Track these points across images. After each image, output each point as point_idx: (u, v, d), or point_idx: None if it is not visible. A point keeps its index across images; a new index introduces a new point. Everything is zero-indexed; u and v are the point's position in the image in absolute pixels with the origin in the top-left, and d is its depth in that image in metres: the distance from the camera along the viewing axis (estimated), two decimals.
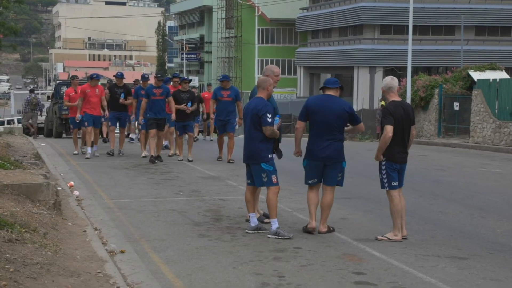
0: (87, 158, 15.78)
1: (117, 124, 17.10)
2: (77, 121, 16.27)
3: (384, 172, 8.17)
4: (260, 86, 8.32)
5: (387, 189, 8.18)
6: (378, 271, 6.78)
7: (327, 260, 7.13)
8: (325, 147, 8.19)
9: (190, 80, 16.93)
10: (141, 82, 17.35)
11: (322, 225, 8.37)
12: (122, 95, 16.73)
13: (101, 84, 18.08)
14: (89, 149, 16.07)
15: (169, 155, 16.63)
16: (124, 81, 17.66)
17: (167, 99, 15.19)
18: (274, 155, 8.42)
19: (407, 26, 30.88)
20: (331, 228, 8.46)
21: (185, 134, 15.81)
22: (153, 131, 15.09)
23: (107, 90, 17.14)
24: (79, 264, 6.74)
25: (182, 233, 8.31)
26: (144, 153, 16.10)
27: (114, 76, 17.88)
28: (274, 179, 8.11)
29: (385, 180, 8.18)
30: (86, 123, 16.02)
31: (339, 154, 8.28)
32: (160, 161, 15.25)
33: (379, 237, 8.13)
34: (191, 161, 15.39)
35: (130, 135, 21.05)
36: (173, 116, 15.22)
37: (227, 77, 16.04)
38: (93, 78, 16.30)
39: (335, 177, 8.36)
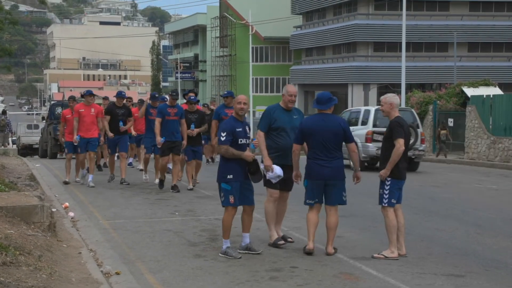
0: (77, 181, 14.83)
1: (116, 150, 15.40)
2: (75, 144, 14.60)
3: (387, 189, 8.08)
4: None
5: (386, 205, 8.12)
6: None
7: (324, 279, 7.10)
8: (324, 166, 8.11)
9: (198, 101, 14.68)
10: (150, 101, 15.44)
11: (330, 246, 8.22)
12: (121, 123, 15.07)
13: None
14: (83, 172, 14.90)
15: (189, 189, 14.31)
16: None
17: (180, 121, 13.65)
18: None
19: (400, 43, 31.03)
20: (336, 249, 8.35)
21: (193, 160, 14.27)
22: (166, 158, 13.64)
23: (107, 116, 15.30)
24: (74, 286, 6.69)
25: (178, 254, 8.28)
26: (145, 177, 15.22)
27: (115, 96, 16.13)
28: (231, 199, 7.99)
29: (386, 197, 8.09)
30: (78, 149, 14.58)
31: (339, 172, 8.17)
32: (177, 191, 13.57)
33: (375, 255, 8.10)
34: (194, 185, 14.28)
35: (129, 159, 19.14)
36: (184, 142, 13.66)
37: (231, 94, 14.15)
38: (86, 95, 14.65)
39: (339, 196, 8.21)
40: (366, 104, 50.14)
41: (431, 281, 7.08)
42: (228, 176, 7.97)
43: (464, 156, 25.07)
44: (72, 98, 16.66)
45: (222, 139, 7.99)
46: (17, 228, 8.40)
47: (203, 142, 20.91)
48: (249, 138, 8.22)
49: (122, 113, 15.21)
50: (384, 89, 50.26)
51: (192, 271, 7.46)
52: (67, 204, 11.90)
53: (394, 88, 44.98)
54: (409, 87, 37.49)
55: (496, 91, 27.95)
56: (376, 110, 19.34)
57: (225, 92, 13.90)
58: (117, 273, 7.31)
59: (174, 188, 13.66)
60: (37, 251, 7.65)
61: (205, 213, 11.23)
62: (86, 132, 14.45)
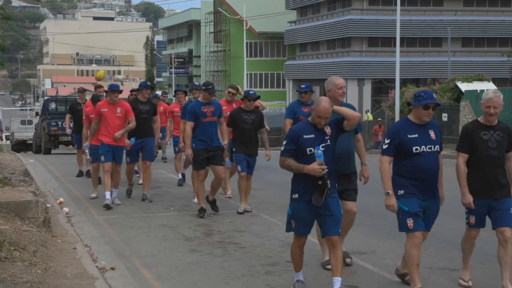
0: (106, 204, 11.08)
1: (139, 156, 12.25)
2: (86, 151, 12.31)
3: None
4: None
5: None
6: (371, 284, 6.76)
7: (320, 274, 7.10)
8: None
9: (259, 97, 11.17)
10: (193, 96, 12.24)
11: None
12: (133, 140, 11.63)
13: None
14: (107, 194, 11.21)
15: (226, 197, 12.42)
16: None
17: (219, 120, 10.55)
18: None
19: (395, 38, 31.05)
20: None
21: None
22: (203, 173, 10.64)
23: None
24: (70, 281, 6.67)
25: (173, 249, 8.27)
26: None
27: (138, 88, 12.55)
28: (292, 224, 6.32)
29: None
30: (102, 158, 11.31)
31: None
32: (216, 211, 10.83)
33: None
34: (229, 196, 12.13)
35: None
36: (225, 144, 10.67)
37: (310, 88, 9.62)
38: (113, 90, 11.30)
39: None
40: (360, 99, 50.27)
41: (426, 275, 7.09)
42: (293, 196, 6.23)
43: None
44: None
45: (282, 148, 6.23)
46: (11, 223, 8.37)
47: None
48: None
49: (146, 110, 11.92)
50: (378, 84, 50.39)
51: (188, 265, 7.45)
52: (61, 199, 11.87)
53: (388, 83, 45.07)
54: (403, 82, 37.53)
55: (490, 86, 28.01)
56: None
57: (303, 86, 9.67)
58: (112, 268, 7.29)
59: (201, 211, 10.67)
60: (32, 247, 7.63)
61: None
62: (111, 139, 11.30)
